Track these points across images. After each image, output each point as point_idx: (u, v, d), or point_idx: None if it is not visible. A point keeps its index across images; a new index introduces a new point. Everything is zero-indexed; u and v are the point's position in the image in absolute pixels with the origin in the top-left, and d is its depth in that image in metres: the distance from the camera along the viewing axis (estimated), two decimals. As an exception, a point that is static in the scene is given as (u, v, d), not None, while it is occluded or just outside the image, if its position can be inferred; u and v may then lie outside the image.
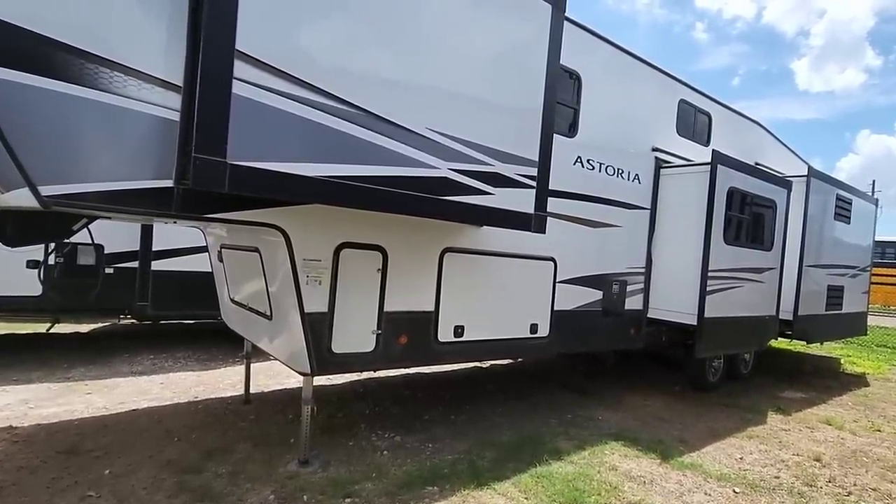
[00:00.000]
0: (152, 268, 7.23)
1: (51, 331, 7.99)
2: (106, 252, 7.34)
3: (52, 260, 6.79)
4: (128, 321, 9.73)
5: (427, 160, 3.25)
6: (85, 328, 9.56)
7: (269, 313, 4.09)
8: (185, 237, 7.33)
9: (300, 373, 3.92)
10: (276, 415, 5.24)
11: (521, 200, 3.84)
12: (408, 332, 4.08)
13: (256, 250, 4.00)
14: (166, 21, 2.79)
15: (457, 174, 3.41)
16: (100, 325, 10.08)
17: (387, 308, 3.93)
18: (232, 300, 5.20)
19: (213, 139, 2.42)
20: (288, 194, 2.77)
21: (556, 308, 5.19)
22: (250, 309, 4.61)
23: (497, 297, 4.74)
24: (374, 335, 3.90)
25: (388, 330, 3.95)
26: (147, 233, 7.20)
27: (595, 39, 5.62)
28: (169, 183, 2.90)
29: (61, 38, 2.55)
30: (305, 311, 3.52)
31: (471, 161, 3.48)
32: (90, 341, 8.60)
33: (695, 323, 6.04)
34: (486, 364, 8.03)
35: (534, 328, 5.01)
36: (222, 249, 5.13)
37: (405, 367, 4.12)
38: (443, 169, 3.32)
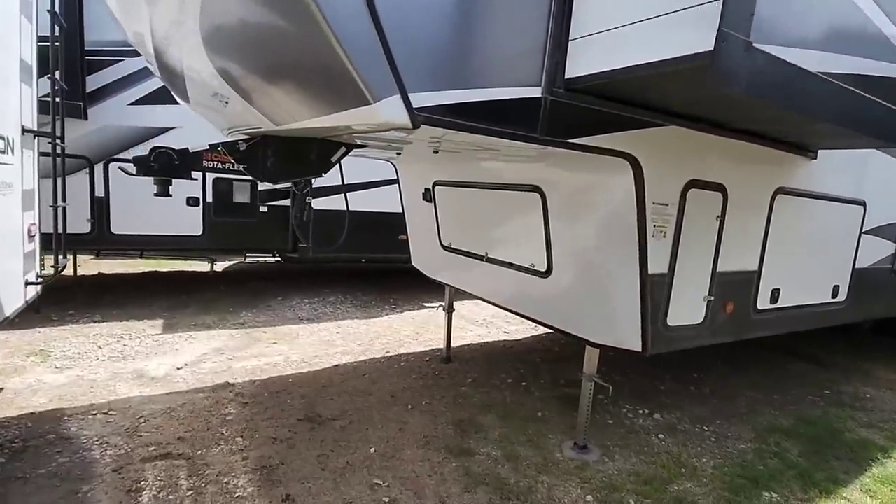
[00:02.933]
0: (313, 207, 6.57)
1: (212, 270, 7.73)
2: (259, 189, 6.82)
3: (209, 198, 6.31)
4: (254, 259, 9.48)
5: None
6: (218, 267, 9.36)
7: (543, 269, 3.27)
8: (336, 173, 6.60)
9: (591, 344, 3.11)
10: (491, 378, 4.60)
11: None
12: (734, 298, 3.15)
13: (536, 189, 3.11)
14: None
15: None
16: (228, 263, 9.90)
17: (720, 267, 2.99)
18: (445, 246, 4.43)
19: (739, 6, 1.45)
20: (807, 106, 1.78)
21: (856, 265, 4.08)
22: (491, 260, 3.81)
23: (808, 253, 3.69)
24: (705, 302, 2.99)
25: (718, 295, 3.03)
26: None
27: None
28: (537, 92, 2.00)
29: None
30: (649, 272, 2.62)
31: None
32: (234, 282, 8.31)
33: None
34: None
35: (835, 291, 3.96)
36: (435, 187, 4.31)
37: (721, 343, 3.23)
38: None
